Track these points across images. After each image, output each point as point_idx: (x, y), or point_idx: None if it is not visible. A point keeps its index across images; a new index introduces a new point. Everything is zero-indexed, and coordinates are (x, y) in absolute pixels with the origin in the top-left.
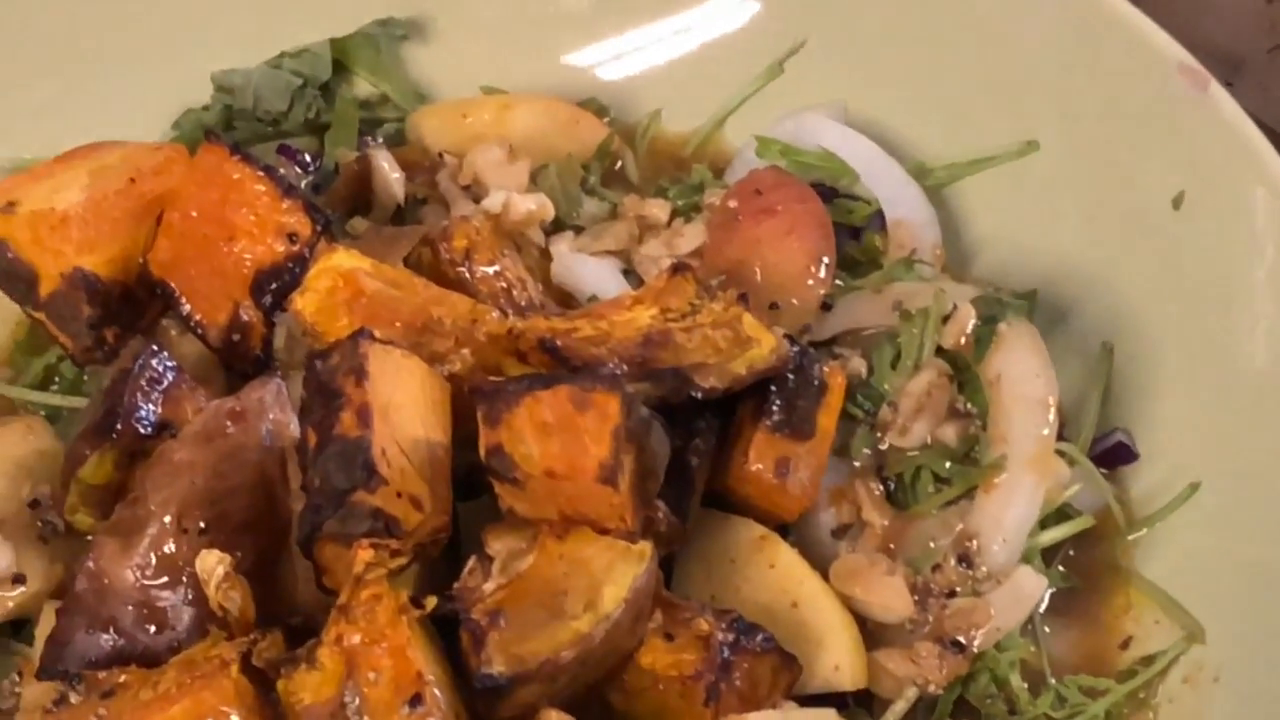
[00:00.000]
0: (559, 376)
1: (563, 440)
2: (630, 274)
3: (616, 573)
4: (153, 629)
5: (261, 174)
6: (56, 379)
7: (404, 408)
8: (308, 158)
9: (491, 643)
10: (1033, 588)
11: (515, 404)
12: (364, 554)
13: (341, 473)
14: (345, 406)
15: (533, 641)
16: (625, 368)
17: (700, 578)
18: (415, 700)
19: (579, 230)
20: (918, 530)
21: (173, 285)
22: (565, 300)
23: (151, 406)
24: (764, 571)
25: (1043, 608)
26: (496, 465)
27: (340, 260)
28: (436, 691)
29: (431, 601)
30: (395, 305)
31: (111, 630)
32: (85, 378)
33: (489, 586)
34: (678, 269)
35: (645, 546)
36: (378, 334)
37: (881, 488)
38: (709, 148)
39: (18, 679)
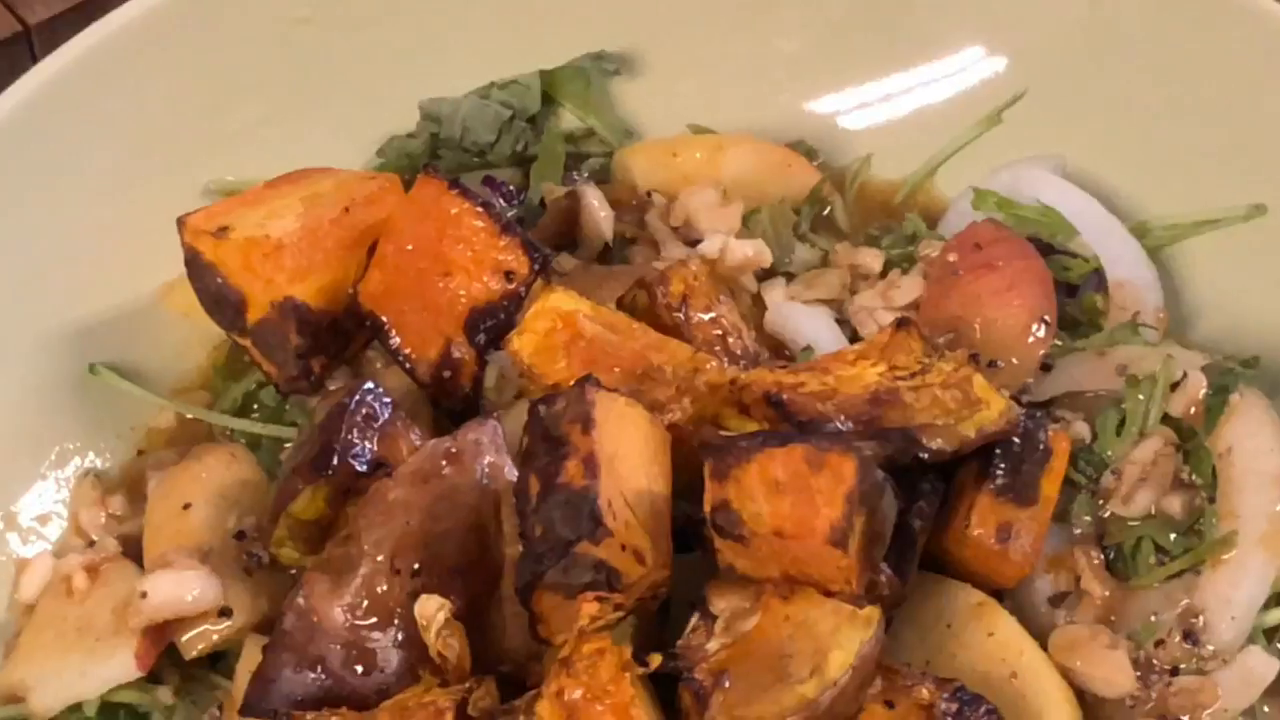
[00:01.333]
0: (793, 435)
1: (794, 500)
2: (843, 324)
3: (843, 637)
4: (360, 670)
5: (480, 209)
6: (256, 406)
7: (628, 458)
8: (512, 190)
9: (715, 704)
10: (1264, 669)
11: (747, 460)
12: (589, 607)
13: (566, 523)
14: (571, 455)
15: (757, 705)
16: (851, 425)
17: (914, 642)
18: None
19: (790, 277)
20: (1139, 603)
21: (383, 318)
22: (777, 349)
23: (367, 444)
24: (982, 639)
25: None
26: (722, 522)
27: (559, 301)
28: None
29: (656, 659)
30: (614, 350)
31: (319, 669)
32: (287, 407)
33: (712, 646)
34: (902, 324)
35: (873, 612)
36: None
37: (1101, 557)
38: (919, 196)
39: (218, 713)
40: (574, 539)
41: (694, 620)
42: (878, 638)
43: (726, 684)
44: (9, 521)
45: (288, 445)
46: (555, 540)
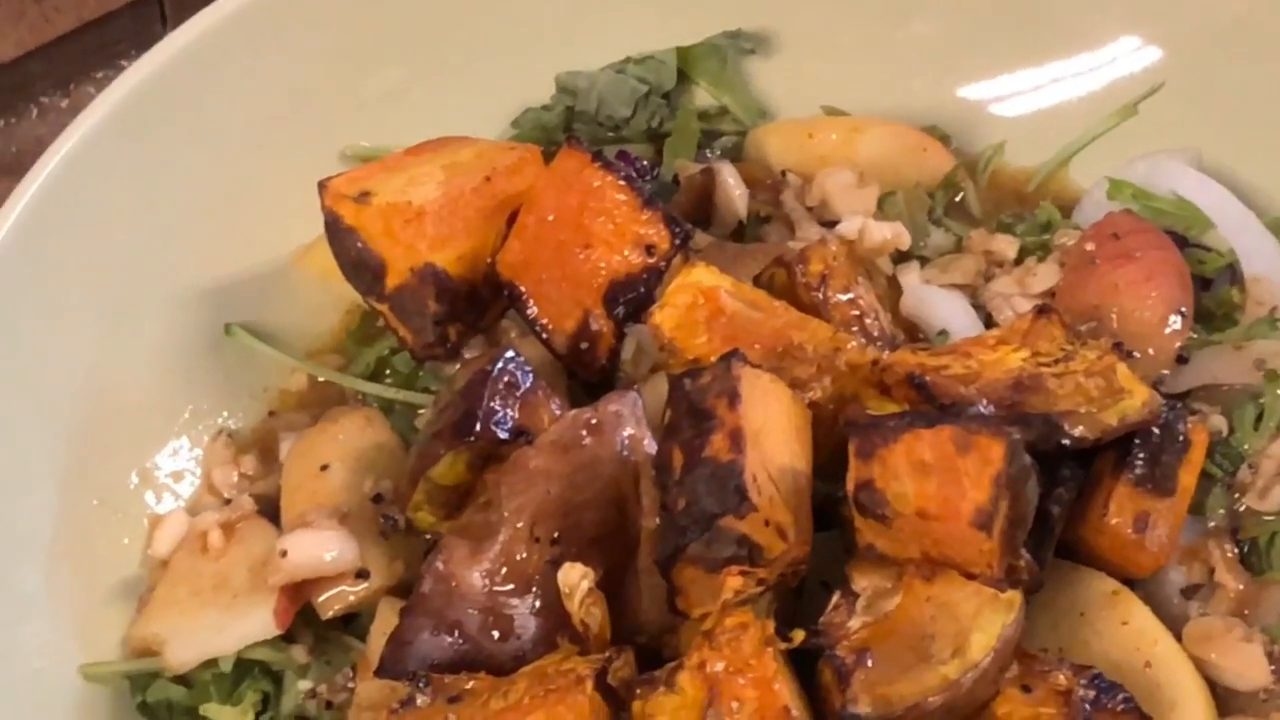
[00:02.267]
0: (940, 416)
1: (940, 481)
2: (977, 309)
3: (985, 620)
4: (497, 636)
5: (623, 182)
6: (388, 371)
7: (772, 434)
8: (646, 165)
9: (857, 682)
10: None
11: (893, 440)
12: (733, 581)
13: (711, 496)
14: (717, 429)
15: (899, 684)
16: (994, 409)
17: (1047, 629)
18: None
19: (924, 261)
20: (1273, 597)
21: (522, 288)
22: (911, 332)
23: (509, 411)
24: (1116, 628)
25: None
26: (865, 500)
27: (701, 276)
28: None
29: (799, 635)
30: (755, 327)
31: (456, 634)
32: (420, 373)
33: (854, 624)
34: (1043, 311)
35: (1015, 596)
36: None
37: (1235, 550)
38: (1052, 185)
39: (350, 673)
40: (719, 513)
41: (835, 598)
42: (1019, 621)
43: (869, 662)
44: (144, 478)
45: (421, 411)
46: (699, 513)
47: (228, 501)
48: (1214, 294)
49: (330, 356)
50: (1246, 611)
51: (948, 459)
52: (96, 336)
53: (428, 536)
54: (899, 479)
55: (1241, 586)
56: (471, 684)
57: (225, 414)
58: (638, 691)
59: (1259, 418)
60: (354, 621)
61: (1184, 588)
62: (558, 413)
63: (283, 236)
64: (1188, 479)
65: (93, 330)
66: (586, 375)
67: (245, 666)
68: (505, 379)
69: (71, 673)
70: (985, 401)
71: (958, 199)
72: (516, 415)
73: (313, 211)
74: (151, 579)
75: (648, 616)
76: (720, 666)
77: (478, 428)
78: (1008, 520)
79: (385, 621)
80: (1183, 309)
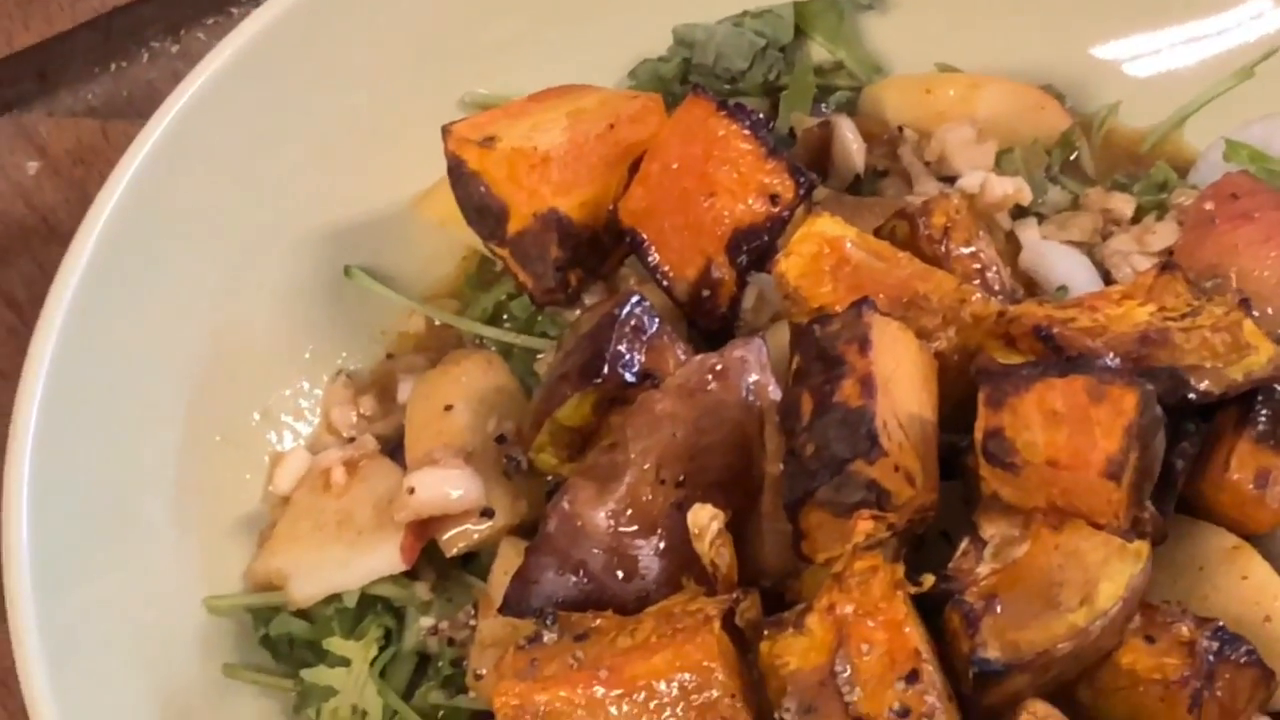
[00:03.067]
0: (1072, 365)
1: (1071, 431)
2: (1094, 267)
3: (1113, 569)
4: (622, 576)
5: (748, 132)
6: (505, 316)
7: (901, 381)
8: (762, 118)
9: (986, 627)
10: None
11: (1025, 389)
12: (864, 525)
13: (841, 441)
14: (848, 375)
15: (1028, 630)
16: (1120, 362)
17: (1166, 583)
18: (912, 676)
19: (1042, 218)
20: None
21: (644, 235)
22: (1029, 287)
23: (636, 354)
24: (1235, 582)
25: None
26: (994, 449)
27: (825, 226)
28: (932, 669)
29: (929, 580)
30: (880, 277)
31: (581, 573)
32: (539, 319)
33: (982, 570)
34: (1166, 267)
35: (1142, 546)
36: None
37: None
38: (1166, 146)
39: (472, 610)
40: (849, 457)
41: (964, 545)
42: (1146, 572)
43: (997, 608)
44: (266, 417)
45: (539, 356)
46: (829, 458)
47: (348, 440)
48: None
49: (447, 301)
50: None
51: (1080, 408)
52: (219, 278)
53: (550, 478)
54: (1029, 428)
55: None
56: (598, 622)
57: (344, 356)
58: (765, 633)
59: None
60: (474, 561)
61: None
62: (683, 358)
63: (401, 182)
64: None
65: (216, 272)
66: (707, 323)
67: (368, 602)
68: (632, 322)
69: (196, 605)
70: (1112, 355)
71: (1073, 158)
72: (643, 359)
73: (431, 157)
74: (273, 515)
75: (770, 562)
76: (850, 609)
77: (605, 370)
78: (1137, 471)
79: (508, 560)
80: None
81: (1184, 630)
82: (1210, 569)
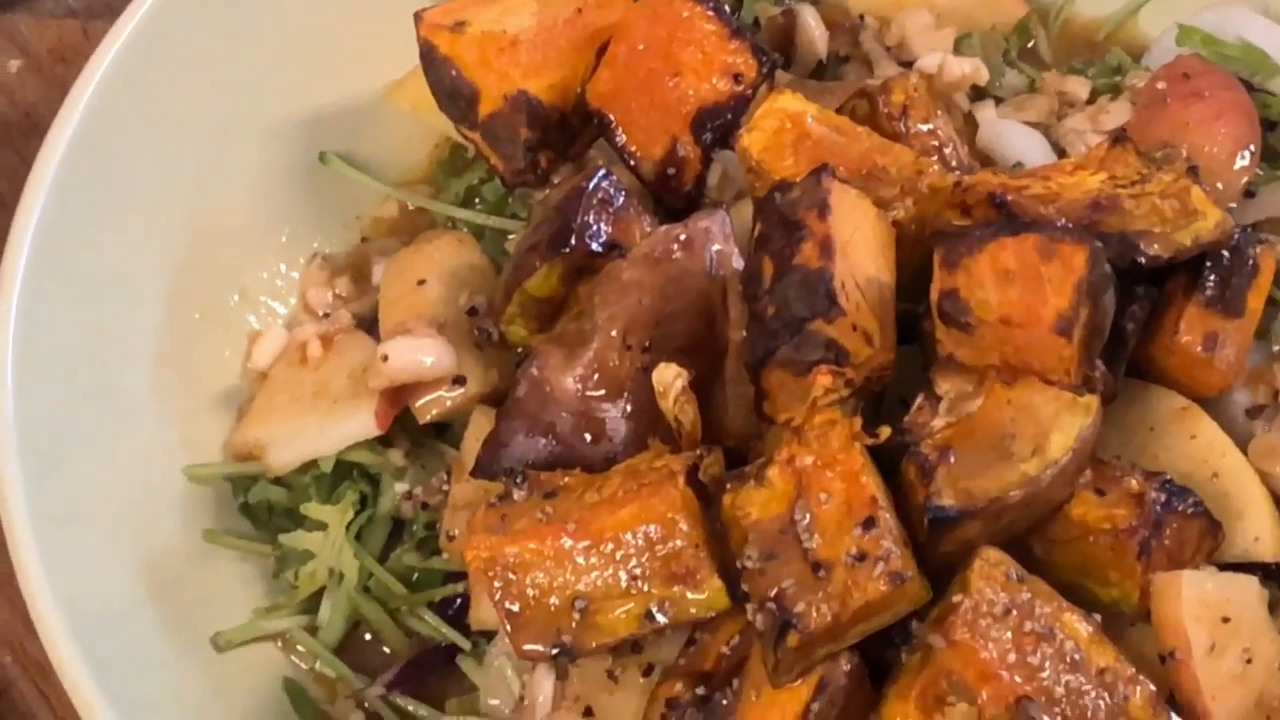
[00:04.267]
0: (1025, 225)
1: (1023, 288)
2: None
3: (1063, 422)
4: (590, 439)
5: (711, 13)
6: (477, 200)
7: (859, 246)
8: (727, 9)
9: (941, 476)
10: None
11: (979, 249)
12: (823, 380)
13: (801, 301)
14: (807, 238)
15: (981, 479)
16: (1071, 228)
17: (1118, 444)
18: (869, 523)
19: (999, 101)
20: None
21: (611, 116)
22: (986, 165)
23: (603, 225)
24: (1184, 441)
25: None
26: (949, 309)
27: (787, 103)
28: (889, 516)
29: (885, 431)
30: (840, 151)
31: (550, 436)
32: (509, 201)
33: (938, 424)
34: (1118, 140)
35: (1092, 400)
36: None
37: None
38: (1121, 34)
39: (445, 476)
40: (808, 316)
41: (919, 400)
42: (1095, 424)
43: (951, 459)
44: (244, 297)
45: (510, 237)
46: (789, 318)
47: (324, 316)
48: (1279, 135)
49: (420, 187)
50: None
51: (1031, 266)
52: (197, 165)
53: (520, 350)
54: (983, 287)
55: None
56: (566, 480)
57: (320, 240)
58: (728, 486)
59: None
60: (447, 431)
61: (1249, 408)
62: (649, 229)
63: (375, 71)
64: (1256, 302)
65: (193, 159)
66: (673, 201)
67: (343, 469)
68: (599, 195)
69: (176, 474)
70: (1064, 220)
71: (1030, 45)
72: (610, 230)
73: (403, 46)
74: (251, 390)
75: (733, 425)
76: (809, 461)
77: (572, 240)
78: (1087, 328)
79: (479, 428)
80: (1250, 147)
81: (1133, 484)
82: (1160, 429)
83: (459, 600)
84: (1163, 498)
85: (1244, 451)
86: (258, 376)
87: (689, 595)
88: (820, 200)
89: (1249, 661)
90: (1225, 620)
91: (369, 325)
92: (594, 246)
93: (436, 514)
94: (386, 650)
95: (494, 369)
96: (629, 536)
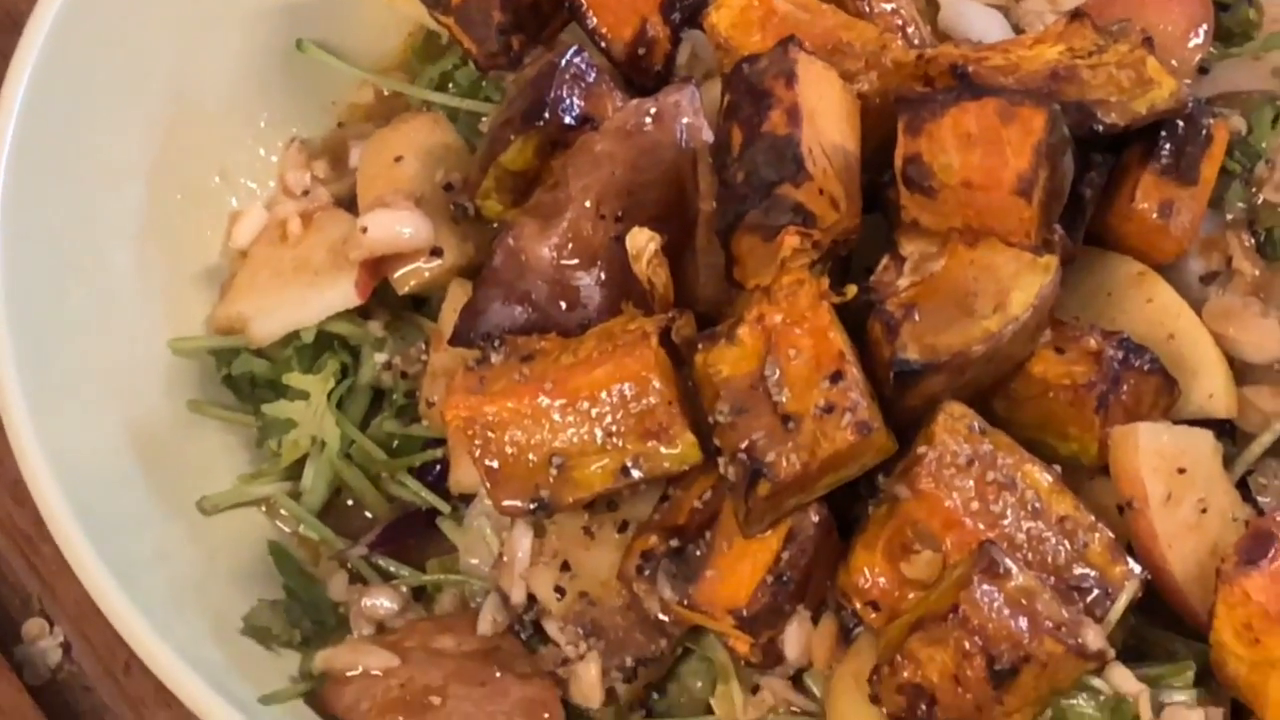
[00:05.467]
0: (986, 89)
1: (984, 152)
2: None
3: (1024, 280)
4: (565, 306)
5: None
6: (451, 85)
7: (825, 114)
8: None
9: (905, 332)
10: None
11: (941, 113)
12: (791, 240)
13: (769, 167)
14: (775, 106)
15: (944, 335)
16: (1031, 93)
17: (1076, 309)
18: (836, 376)
19: None
20: None
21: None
22: None
23: (576, 99)
24: (1141, 305)
25: None
26: (912, 174)
27: None
28: (855, 370)
29: (852, 290)
30: (806, 27)
31: (526, 304)
32: (483, 85)
33: (902, 283)
34: (1076, 15)
35: (1051, 260)
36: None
37: (1252, 240)
38: None
39: (424, 347)
40: (776, 180)
41: (884, 261)
42: (1055, 283)
43: (916, 316)
44: (225, 179)
45: (485, 119)
46: (758, 182)
47: (304, 196)
48: (1233, 14)
49: (395, 74)
50: (1261, 295)
51: (992, 130)
52: (176, 51)
53: (495, 225)
54: (945, 151)
55: (1258, 272)
56: (543, 344)
57: (297, 126)
58: (699, 346)
59: (1275, 119)
60: (425, 305)
61: (1203, 275)
62: (620, 104)
63: None
64: (1209, 171)
65: (173, 45)
66: (643, 81)
67: (324, 341)
68: (572, 70)
69: (161, 348)
70: (1024, 90)
71: None
72: (583, 104)
73: None
74: (232, 268)
75: (705, 293)
76: (778, 319)
77: (546, 114)
78: (1046, 190)
79: (456, 299)
80: (1204, 26)
81: (1091, 342)
82: (1118, 294)
83: (438, 466)
84: (1120, 355)
85: (1199, 315)
86: (239, 255)
87: (662, 450)
88: (787, 69)
89: (1204, 511)
90: (1181, 471)
91: (347, 205)
92: (567, 120)
93: (415, 382)
94: (368, 515)
95: (470, 242)
96: (604, 395)
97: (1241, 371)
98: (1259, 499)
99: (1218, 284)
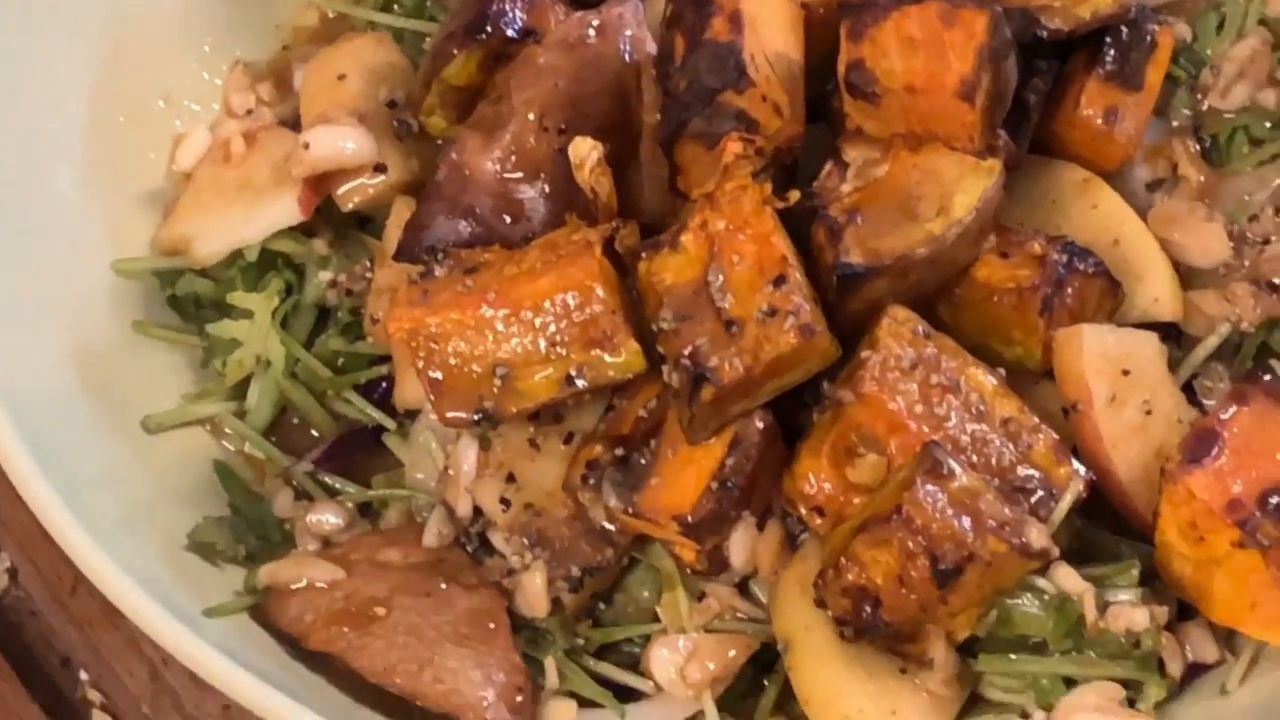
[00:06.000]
0: None
1: (927, 55)
2: None
3: (967, 183)
4: (509, 220)
5: None
6: (396, 5)
7: (769, 22)
8: None
9: (849, 236)
10: None
11: (883, 18)
12: (733, 146)
13: (712, 74)
14: (717, 13)
15: (888, 239)
16: None
17: (1021, 216)
18: (779, 280)
19: None
20: (1232, 186)
21: None
22: None
23: (518, 12)
24: (1086, 211)
25: None
26: (856, 80)
27: None
28: (798, 275)
29: (795, 195)
30: None
31: (470, 219)
32: (428, 4)
33: (846, 188)
34: None
35: (995, 163)
36: None
37: (1198, 146)
38: None
39: (368, 264)
40: (719, 87)
41: (828, 168)
42: (998, 186)
43: (859, 220)
44: (169, 103)
45: (429, 39)
46: (700, 90)
47: (247, 115)
48: None
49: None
50: (1207, 200)
51: (934, 34)
52: None
53: (439, 142)
54: (888, 56)
55: (1203, 178)
56: (486, 256)
57: (241, 49)
58: (643, 255)
59: (1220, 25)
60: (370, 224)
61: (1149, 182)
62: (563, 17)
63: None
64: (1154, 77)
65: None
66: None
67: (268, 260)
68: None
69: (104, 270)
70: None
71: None
72: (525, 17)
73: None
74: (176, 190)
75: (649, 205)
76: (721, 225)
77: (488, 27)
78: (989, 94)
79: (401, 216)
80: None
81: (1036, 246)
82: (1063, 201)
83: (384, 383)
84: (1064, 258)
85: (1145, 221)
86: (183, 177)
87: (606, 358)
88: None
89: (1149, 413)
90: (1125, 373)
91: (292, 127)
92: (509, 33)
93: (361, 300)
94: (314, 434)
95: (415, 159)
96: (547, 304)
97: (1187, 276)
98: (1204, 402)
99: (1164, 190)
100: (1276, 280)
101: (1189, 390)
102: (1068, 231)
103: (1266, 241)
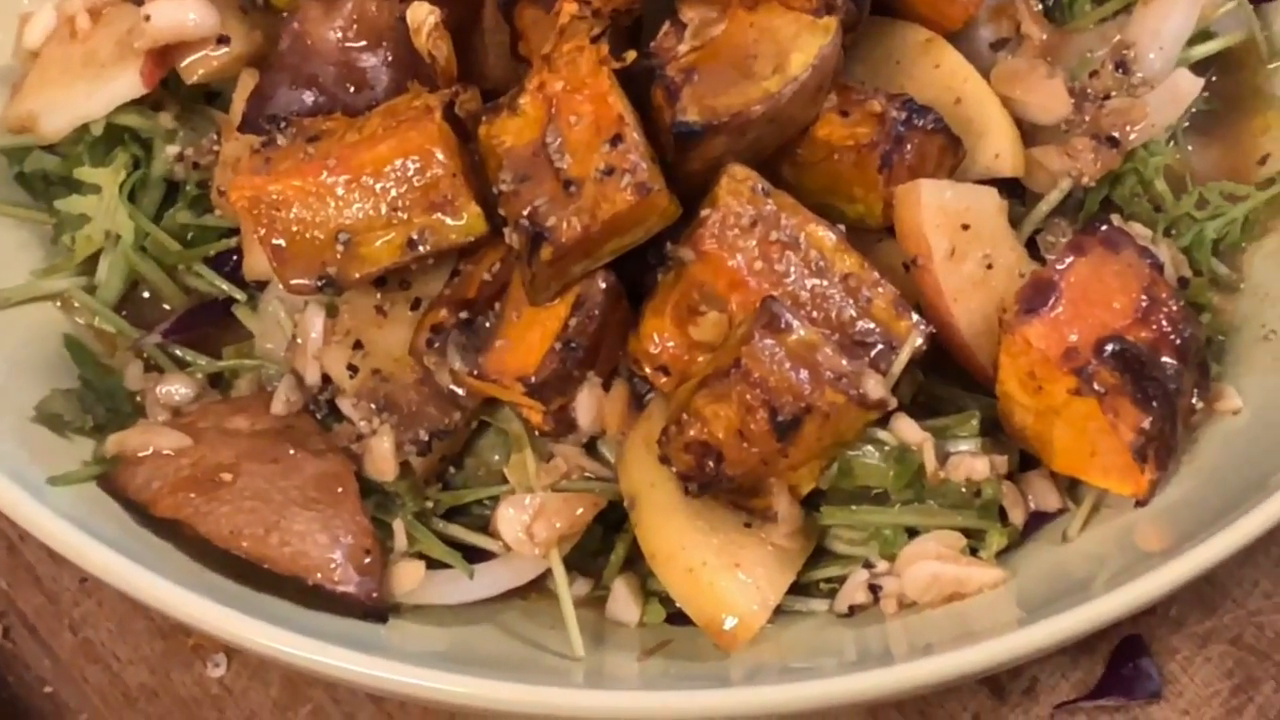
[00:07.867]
0: None
1: None
2: None
3: (803, 41)
4: (353, 89)
5: None
6: None
7: None
8: None
9: (686, 95)
10: (1189, 87)
11: None
12: (569, 6)
13: None
14: None
15: (724, 97)
16: None
17: (863, 77)
18: (616, 140)
19: None
20: (1075, 44)
21: None
22: None
23: None
24: (929, 71)
25: (1185, 124)
26: None
27: None
28: (636, 135)
29: (631, 55)
30: None
31: (313, 88)
32: None
33: (683, 49)
34: None
35: (831, 21)
36: None
37: (1040, 4)
38: None
39: (215, 137)
40: None
41: (665, 28)
42: (835, 44)
43: (696, 79)
44: None
45: None
46: None
47: None
48: None
49: None
50: (1049, 58)
51: None
52: None
53: (285, 15)
54: None
55: (1045, 36)
56: (328, 124)
57: None
58: (483, 118)
59: None
60: (218, 98)
61: (993, 41)
62: None
63: None
64: None
65: None
66: None
67: (115, 134)
68: None
69: None
70: None
71: None
72: None
73: None
74: (24, 70)
75: (494, 72)
76: (559, 86)
77: None
78: None
79: (246, 89)
80: None
81: (875, 104)
82: (906, 62)
83: (234, 256)
84: (903, 115)
85: (989, 81)
86: (30, 56)
87: (448, 222)
88: None
89: (989, 267)
90: (965, 227)
91: (137, 1)
92: None
93: (208, 173)
94: (166, 307)
95: (258, 30)
96: (388, 169)
97: (1030, 133)
98: (1047, 257)
99: (1007, 50)
100: (1116, 135)
101: (1033, 246)
102: (911, 91)
103: (1107, 97)
